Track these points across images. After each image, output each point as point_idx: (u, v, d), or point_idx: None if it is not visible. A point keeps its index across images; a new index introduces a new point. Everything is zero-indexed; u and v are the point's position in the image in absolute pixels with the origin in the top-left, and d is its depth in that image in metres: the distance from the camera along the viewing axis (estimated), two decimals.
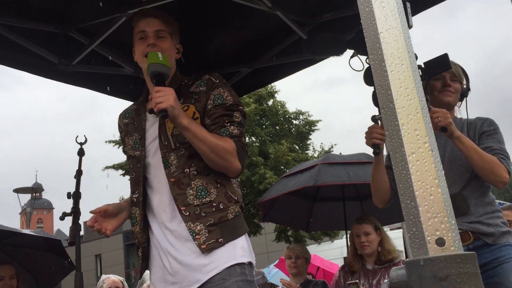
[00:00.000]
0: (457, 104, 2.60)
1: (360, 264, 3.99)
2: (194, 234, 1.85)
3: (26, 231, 4.52)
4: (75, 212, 2.22)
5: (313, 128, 19.39)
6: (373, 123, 2.36)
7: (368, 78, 2.26)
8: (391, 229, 13.78)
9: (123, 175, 18.56)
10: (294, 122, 19.32)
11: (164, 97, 1.76)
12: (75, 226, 2.18)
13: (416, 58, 2.28)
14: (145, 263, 2.03)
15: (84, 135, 2.55)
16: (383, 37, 0.66)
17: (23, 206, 23.00)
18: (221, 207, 1.89)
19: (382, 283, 3.86)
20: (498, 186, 2.28)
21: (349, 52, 2.63)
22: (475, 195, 2.36)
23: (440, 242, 0.57)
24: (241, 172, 1.97)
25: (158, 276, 1.94)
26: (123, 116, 2.32)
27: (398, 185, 0.63)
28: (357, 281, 3.73)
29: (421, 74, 2.27)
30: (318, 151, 19.12)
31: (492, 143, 2.37)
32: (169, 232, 1.92)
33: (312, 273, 7.40)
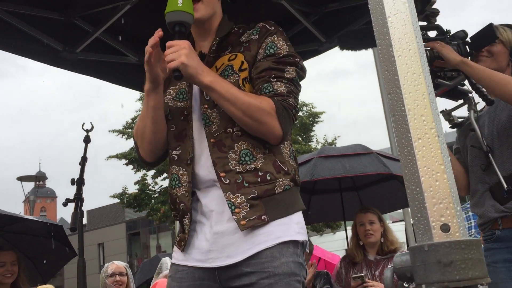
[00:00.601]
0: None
1: (362, 255, 4.00)
2: (233, 207, 1.57)
3: (28, 216, 4.54)
4: (78, 198, 2.22)
5: (316, 119, 19.38)
6: None
7: None
8: (393, 222, 13.81)
9: (126, 164, 18.63)
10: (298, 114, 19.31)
11: (175, 53, 1.51)
12: (78, 212, 2.17)
13: (466, 35, 2.24)
14: (183, 235, 1.71)
15: (91, 122, 2.54)
16: (390, 21, 0.65)
17: (26, 194, 23.12)
18: (268, 178, 1.60)
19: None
20: None
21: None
22: None
23: (445, 228, 0.57)
24: (284, 138, 1.66)
25: (192, 242, 1.68)
26: None
27: (404, 170, 0.62)
28: (362, 274, 3.73)
29: (468, 49, 2.18)
30: (322, 143, 19.13)
31: None
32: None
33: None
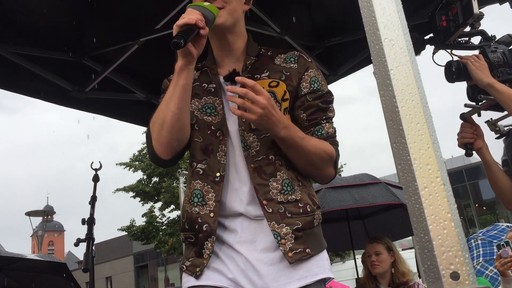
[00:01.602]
0: None
1: (374, 286, 3.95)
2: (279, 238, 1.48)
3: (32, 256, 4.55)
4: (89, 238, 2.23)
5: None
6: (462, 121, 2.15)
7: (449, 74, 2.08)
8: (403, 249, 13.63)
9: (134, 197, 18.65)
10: None
11: (255, 107, 1.40)
12: (90, 252, 2.18)
13: None
14: (200, 260, 1.55)
15: (99, 161, 2.56)
16: (393, 74, 0.68)
17: (34, 229, 23.09)
18: (309, 209, 1.55)
19: None
20: None
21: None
22: None
23: (455, 276, 0.58)
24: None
25: (213, 267, 1.54)
26: None
27: (412, 218, 0.64)
28: None
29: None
30: None
31: None
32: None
33: None
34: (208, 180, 1.57)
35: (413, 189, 0.63)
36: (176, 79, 1.50)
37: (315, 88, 1.65)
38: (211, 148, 1.60)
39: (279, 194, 1.53)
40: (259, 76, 1.65)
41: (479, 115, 2.17)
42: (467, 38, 2.10)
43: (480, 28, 2.05)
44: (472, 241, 6.06)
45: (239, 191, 1.56)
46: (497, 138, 2.30)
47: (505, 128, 2.27)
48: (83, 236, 2.37)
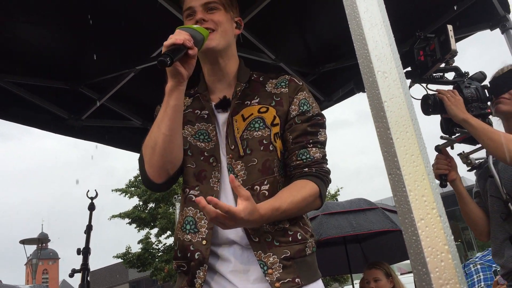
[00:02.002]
0: None
1: None
2: (265, 267, 1.44)
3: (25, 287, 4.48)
4: (85, 269, 2.20)
5: None
6: (436, 153, 2.21)
7: (426, 107, 2.12)
8: (401, 274, 13.51)
9: (129, 223, 18.49)
10: None
11: (232, 222, 1.34)
12: (84, 284, 2.15)
13: (485, 77, 2.22)
14: None
15: (95, 190, 2.55)
16: (387, 105, 0.69)
17: (28, 257, 22.75)
18: (299, 237, 1.51)
19: None
20: None
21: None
22: None
23: None
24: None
25: None
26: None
27: (409, 250, 0.64)
28: None
29: (487, 94, 2.14)
30: None
31: None
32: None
33: None
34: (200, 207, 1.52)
35: (410, 221, 0.63)
36: (167, 100, 1.47)
37: (304, 110, 1.63)
38: (204, 174, 1.57)
39: (265, 224, 1.47)
40: (249, 102, 1.64)
41: (452, 147, 2.22)
42: (441, 74, 2.16)
43: (454, 64, 2.11)
44: (471, 265, 6.02)
45: None
46: (468, 170, 2.37)
47: (476, 161, 2.33)
48: (78, 265, 2.34)
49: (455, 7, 2.77)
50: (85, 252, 2.28)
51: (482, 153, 2.28)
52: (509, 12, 2.67)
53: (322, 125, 1.66)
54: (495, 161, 2.22)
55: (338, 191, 19.17)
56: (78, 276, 2.32)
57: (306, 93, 1.67)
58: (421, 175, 0.65)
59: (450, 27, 1.94)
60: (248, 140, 1.57)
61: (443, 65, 2.09)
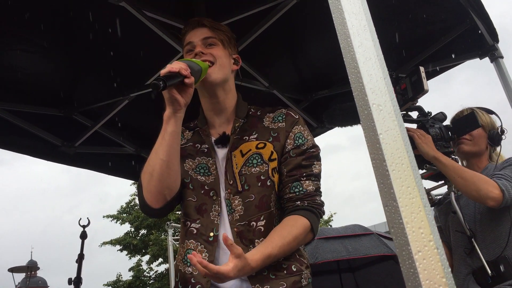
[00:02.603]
0: (493, 151, 2.40)
1: None
2: None
3: None
4: None
5: None
6: None
7: None
8: None
9: (121, 250, 18.23)
10: None
11: (218, 280, 1.40)
12: None
13: (445, 117, 2.30)
14: None
15: (88, 218, 2.52)
16: (382, 138, 0.70)
17: (17, 285, 22.21)
18: (294, 269, 1.54)
19: None
20: (488, 203, 2.05)
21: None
22: None
23: None
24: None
25: None
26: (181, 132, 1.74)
27: (407, 283, 0.63)
28: None
29: (450, 134, 2.24)
30: None
31: (502, 171, 2.17)
32: None
33: None
34: (201, 240, 1.57)
35: (407, 253, 0.63)
36: (164, 127, 1.50)
37: (299, 143, 1.66)
38: (205, 207, 1.60)
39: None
40: (247, 138, 1.68)
41: None
42: (405, 112, 2.26)
43: (417, 104, 2.22)
44: None
45: (227, 250, 1.50)
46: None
47: (436, 197, 2.42)
48: None
49: (443, 38, 2.84)
50: (76, 282, 2.24)
51: (441, 190, 2.36)
52: (497, 42, 2.73)
53: (317, 157, 1.69)
54: (456, 197, 2.27)
55: (332, 216, 19.10)
56: None
57: (301, 126, 1.71)
58: (418, 207, 0.65)
59: (422, 68, 2.03)
60: (246, 175, 1.60)
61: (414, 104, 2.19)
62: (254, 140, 1.67)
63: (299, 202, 1.59)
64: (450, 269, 0.63)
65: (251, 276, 1.49)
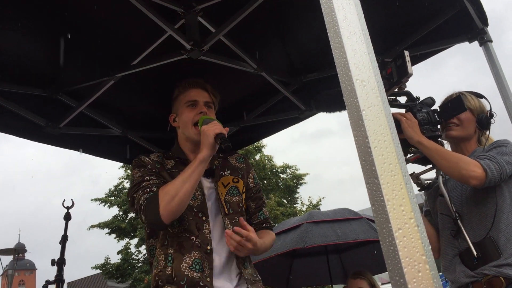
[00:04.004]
0: (482, 135, 2.39)
1: None
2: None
3: None
4: (59, 281, 2.14)
5: (300, 181, 19.41)
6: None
7: None
8: (382, 283, 13.53)
9: (109, 233, 18.22)
10: (282, 176, 19.36)
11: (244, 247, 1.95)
12: None
13: (434, 102, 2.32)
14: None
15: (72, 199, 2.50)
16: (365, 114, 0.68)
17: (4, 268, 22.16)
18: (258, 278, 2.16)
19: None
20: (471, 182, 2.08)
21: None
22: (504, 232, 2.14)
23: None
24: None
25: None
26: (161, 157, 2.25)
27: (386, 261, 0.63)
28: None
29: (437, 118, 2.26)
30: (307, 205, 19.06)
31: (488, 153, 2.19)
32: None
33: None
34: (202, 252, 1.98)
35: (387, 231, 0.63)
36: (197, 165, 1.91)
37: (256, 182, 2.32)
38: (198, 226, 2.02)
39: (248, 266, 2.14)
40: (223, 173, 2.21)
41: None
42: (394, 97, 2.30)
43: (406, 89, 2.25)
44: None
45: (224, 260, 2.03)
46: (419, 190, 2.46)
47: (426, 182, 2.42)
48: (54, 277, 2.28)
49: (432, 21, 2.82)
50: (59, 263, 2.21)
51: (431, 174, 2.39)
52: (487, 25, 2.72)
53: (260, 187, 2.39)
54: (444, 181, 2.31)
55: (320, 201, 19.21)
56: None
57: (253, 169, 2.39)
58: (399, 185, 0.64)
59: (407, 52, 2.07)
60: (229, 203, 2.13)
61: (396, 89, 2.22)
62: (229, 175, 2.22)
63: (264, 224, 2.28)
64: (430, 247, 0.62)
65: (246, 279, 2.05)
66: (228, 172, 2.24)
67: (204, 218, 2.04)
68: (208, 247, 2.00)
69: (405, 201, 0.63)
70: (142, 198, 1.94)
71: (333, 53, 0.74)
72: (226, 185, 2.18)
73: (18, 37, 2.59)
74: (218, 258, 2.02)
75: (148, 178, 2.03)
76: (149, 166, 2.11)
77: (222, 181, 2.17)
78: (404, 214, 0.63)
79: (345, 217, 5.21)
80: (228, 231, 1.90)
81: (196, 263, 1.96)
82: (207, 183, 2.15)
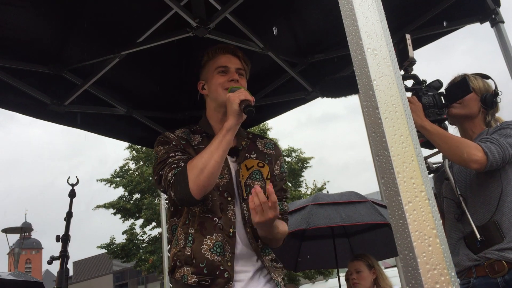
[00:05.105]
0: (488, 113, 2.37)
1: None
2: (279, 285, 1.94)
3: (7, 275, 4.41)
4: (64, 256, 2.14)
5: (305, 165, 19.41)
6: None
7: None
8: (385, 268, 13.60)
9: (114, 214, 18.36)
10: (287, 159, 19.36)
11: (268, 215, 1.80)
12: (63, 271, 2.09)
13: (441, 85, 2.30)
14: None
15: (76, 176, 2.49)
16: (376, 84, 0.66)
17: (11, 246, 22.50)
18: (280, 265, 2.06)
19: None
20: (472, 166, 2.07)
21: None
22: (508, 216, 2.13)
23: None
24: None
25: None
26: (187, 133, 2.12)
27: (395, 235, 0.61)
28: None
29: (443, 101, 2.24)
30: (311, 188, 19.08)
31: (491, 135, 2.17)
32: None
33: None
34: (224, 234, 1.88)
35: (397, 204, 0.61)
36: (224, 134, 1.83)
37: (282, 171, 2.15)
38: (222, 207, 1.92)
39: (269, 253, 2.02)
40: (249, 155, 2.07)
41: None
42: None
43: (413, 72, 2.24)
44: None
45: (245, 245, 1.93)
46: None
47: (434, 166, 2.43)
48: (59, 253, 2.29)
49: (443, 1, 2.77)
50: (64, 239, 2.22)
51: (439, 158, 2.38)
52: (499, 6, 2.66)
53: (286, 178, 2.22)
54: (450, 165, 2.31)
55: (325, 184, 19.23)
56: (58, 264, 2.27)
57: (283, 157, 2.23)
58: (410, 157, 0.62)
59: (408, 36, 2.08)
60: (250, 187, 1.95)
61: (402, 73, 2.20)
62: (255, 158, 2.08)
63: (280, 216, 2.01)
64: (441, 221, 0.60)
65: (267, 266, 1.94)
66: (254, 155, 2.10)
67: (229, 198, 1.94)
68: (231, 230, 1.90)
69: (416, 173, 0.61)
70: (170, 174, 1.85)
71: (343, 21, 0.71)
72: (250, 168, 2.05)
73: (22, 12, 2.56)
74: (240, 242, 1.92)
75: (174, 154, 1.93)
76: (173, 143, 2.00)
77: (246, 164, 2.05)
78: (415, 187, 0.61)
79: (350, 200, 5.20)
80: (257, 187, 1.74)
81: (217, 246, 1.86)
82: (230, 163, 2.04)
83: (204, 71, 2.16)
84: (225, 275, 1.81)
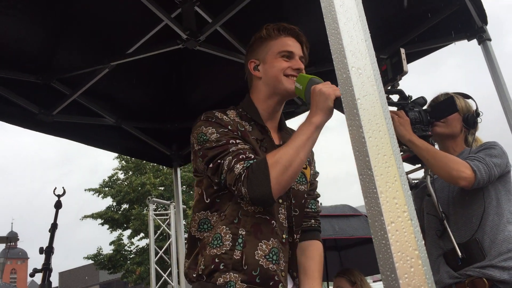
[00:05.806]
0: (470, 134, 2.38)
1: None
2: None
3: None
4: (46, 269, 2.10)
5: None
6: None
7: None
8: (374, 281, 13.58)
9: (102, 224, 18.17)
10: None
11: None
12: (45, 284, 2.05)
13: (426, 102, 2.31)
14: None
15: (63, 187, 2.46)
16: (360, 103, 0.66)
17: None
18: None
19: None
20: (460, 183, 2.06)
21: None
22: (489, 234, 2.12)
23: None
24: None
25: None
26: (239, 117, 1.81)
27: (378, 255, 0.60)
28: None
29: (429, 117, 2.25)
30: None
31: (477, 154, 2.18)
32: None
33: None
34: (277, 240, 1.65)
35: (380, 224, 0.60)
36: (312, 131, 1.58)
37: (315, 171, 1.97)
38: (276, 209, 1.68)
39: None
40: None
41: None
42: (387, 95, 2.26)
43: (399, 87, 2.23)
44: None
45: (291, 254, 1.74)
46: None
47: (413, 181, 2.44)
48: (41, 265, 2.25)
49: (429, 15, 2.80)
50: (48, 251, 2.18)
51: (418, 174, 2.40)
52: (486, 23, 2.70)
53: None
54: (432, 181, 2.31)
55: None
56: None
57: (314, 157, 2.00)
58: (393, 177, 0.62)
59: (402, 50, 2.07)
60: (294, 190, 1.76)
61: (389, 87, 2.21)
62: None
63: (313, 220, 1.91)
64: (423, 242, 0.60)
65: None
66: None
67: (280, 200, 1.68)
68: (284, 236, 1.67)
69: (398, 193, 0.61)
70: (240, 167, 1.56)
71: (329, 39, 0.72)
72: None
73: (12, 21, 2.55)
74: (289, 250, 1.71)
75: (234, 141, 1.64)
76: (229, 127, 1.69)
77: None
78: (398, 207, 0.61)
79: (344, 213, 5.20)
80: None
81: (273, 252, 1.62)
82: None
83: (260, 49, 1.84)
84: (280, 286, 1.60)
